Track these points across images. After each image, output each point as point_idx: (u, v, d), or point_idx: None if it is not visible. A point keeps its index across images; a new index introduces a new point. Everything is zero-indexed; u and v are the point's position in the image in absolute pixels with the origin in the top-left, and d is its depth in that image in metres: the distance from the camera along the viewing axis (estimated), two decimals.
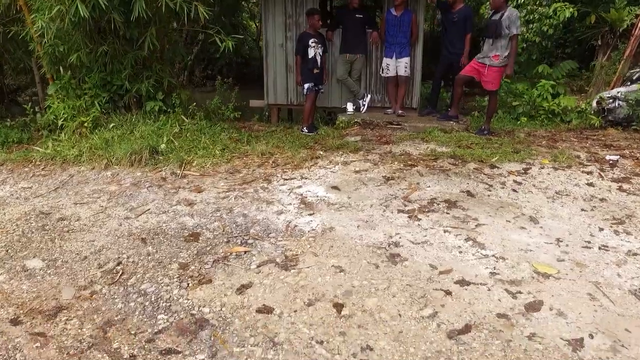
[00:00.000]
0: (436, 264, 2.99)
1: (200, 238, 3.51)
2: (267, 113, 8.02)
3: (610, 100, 7.19)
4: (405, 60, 6.79)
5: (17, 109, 8.47)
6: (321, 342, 2.31)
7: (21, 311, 2.69)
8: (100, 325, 2.56)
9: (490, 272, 2.90)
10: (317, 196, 4.13)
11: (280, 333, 2.39)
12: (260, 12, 9.13)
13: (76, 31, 5.92)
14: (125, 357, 2.30)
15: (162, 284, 2.92)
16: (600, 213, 3.80)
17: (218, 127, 6.44)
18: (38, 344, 2.43)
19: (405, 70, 6.81)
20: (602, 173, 4.70)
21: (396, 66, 6.81)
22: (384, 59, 6.91)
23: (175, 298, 2.77)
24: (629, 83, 7.82)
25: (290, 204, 4.00)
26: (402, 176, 4.53)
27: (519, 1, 9.33)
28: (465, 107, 8.40)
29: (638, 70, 7.93)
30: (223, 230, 3.59)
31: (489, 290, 2.71)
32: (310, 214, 3.76)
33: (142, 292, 2.86)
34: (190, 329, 2.49)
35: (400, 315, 2.50)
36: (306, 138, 6.16)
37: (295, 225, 3.58)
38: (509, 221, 3.60)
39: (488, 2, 8.35)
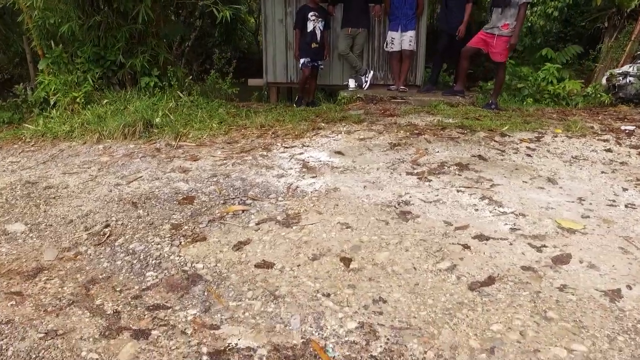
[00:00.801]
0: (451, 220, 2.75)
1: (195, 201, 3.27)
2: (266, 92, 7.76)
3: (621, 77, 6.95)
4: (411, 33, 6.53)
5: (10, 95, 8.23)
6: (328, 295, 2.07)
7: None
8: (83, 283, 2.32)
9: (510, 228, 2.65)
10: (320, 161, 3.88)
11: (282, 286, 2.15)
12: None
13: (67, 3, 5.68)
14: (108, 313, 2.06)
15: (152, 243, 2.68)
16: (622, 175, 3.56)
17: (215, 103, 6.20)
18: (13, 302, 2.19)
19: (410, 44, 6.55)
20: (619, 140, 4.46)
21: (401, 40, 6.55)
22: (389, 32, 6.65)
23: (166, 255, 2.53)
24: (639, 61, 7.58)
25: (292, 168, 3.76)
26: (409, 143, 4.28)
27: None
28: (470, 89, 8.13)
29: None
30: (220, 194, 3.35)
31: (510, 244, 2.47)
32: (313, 177, 3.52)
33: (130, 251, 2.62)
34: (181, 285, 2.25)
35: (415, 268, 2.26)
36: (307, 112, 5.91)
37: (297, 187, 3.34)
38: (526, 182, 3.36)
39: None
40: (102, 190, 3.57)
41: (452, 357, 1.68)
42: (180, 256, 2.51)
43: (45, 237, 2.87)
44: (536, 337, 1.78)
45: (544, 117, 5.54)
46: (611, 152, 4.13)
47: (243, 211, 2.98)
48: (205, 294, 2.16)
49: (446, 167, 3.64)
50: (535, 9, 8.99)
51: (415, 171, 3.58)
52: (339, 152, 4.07)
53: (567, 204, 2.99)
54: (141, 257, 2.55)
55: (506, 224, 2.71)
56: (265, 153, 4.23)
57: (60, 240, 2.81)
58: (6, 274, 2.47)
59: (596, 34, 10.00)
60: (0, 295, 2.26)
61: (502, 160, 3.84)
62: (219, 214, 2.99)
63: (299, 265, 2.31)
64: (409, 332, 1.81)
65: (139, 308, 2.11)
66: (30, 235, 2.90)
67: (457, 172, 3.53)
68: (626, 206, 2.98)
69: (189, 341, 1.86)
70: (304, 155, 4.06)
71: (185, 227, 2.85)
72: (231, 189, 3.42)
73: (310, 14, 6.20)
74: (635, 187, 3.32)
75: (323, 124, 5.16)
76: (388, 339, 1.78)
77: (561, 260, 2.31)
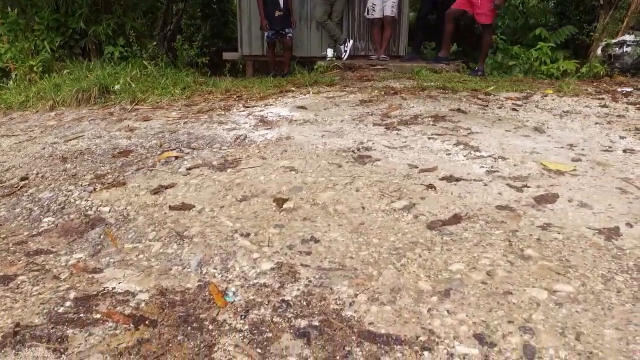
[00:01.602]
0: (417, 164, 2.31)
1: (130, 155, 2.83)
2: (241, 66, 7.30)
3: (617, 47, 6.53)
4: None
5: None
6: (247, 235, 1.63)
7: None
8: None
9: (486, 171, 2.22)
10: (280, 115, 3.44)
11: (194, 227, 1.71)
12: None
13: None
14: None
15: (64, 191, 2.24)
16: (619, 125, 3.13)
17: (183, 73, 5.74)
18: None
19: (392, 10, 6.09)
20: (615, 98, 4.03)
21: (383, 6, 6.09)
22: None
23: (72, 201, 2.09)
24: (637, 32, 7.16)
25: (247, 123, 3.32)
26: (382, 99, 3.84)
27: None
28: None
29: None
30: (160, 146, 2.91)
31: (485, 185, 2.04)
32: (267, 129, 3.08)
33: (36, 199, 2.19)
34: (77, 229, 1.82)
35: (363, 207, 1.82)
36: (279, 79, 5.46)
37: (246, 137, 2.90)
38: (509, 130, 2.93)
39: None
40: (34, 149, 3.15)
41: (390, 301, 1.25)
42: (87, 201, 2.07)
43: None
44: (508, 277, 1.35)
45: (535, 82, 5.11)
46: (606, 107, 3.70)
47: (176, 157, 2.55)
48: (101, 237, 1.73)
49: (420, 119, 3.20)
50: None
51: (384, 122, 3.14)
52: (302, 107, 3.63)
53: (555, 149, 2.56)
54: (44, 204, 2.11)
55: (482, 166, 2.27)
56: (223, 112, 3.79)
57: None
58: None
59: (592, 12, 9.57)
60: None
61: (483, 113, 3.41)
62: (151, 164, 2.55)
63: (222, 207, 1.87)
64: (340, 274, 1.37)
65: (17, 254, 1.68)
66: None
67: (431, 123, 3.10)
68: (624, 151, 2.55)
69: (58, 286, 1.43)
70: (263, 112, 3.62)
71: (109, 177, 2.41)
72: (175, 142, 2.98)
73: None
74: (635, 135, 2.89)
75: (293, 88, 4.72)
76: (310, 281, 1.34)
77: (546, 199, 1.88)
